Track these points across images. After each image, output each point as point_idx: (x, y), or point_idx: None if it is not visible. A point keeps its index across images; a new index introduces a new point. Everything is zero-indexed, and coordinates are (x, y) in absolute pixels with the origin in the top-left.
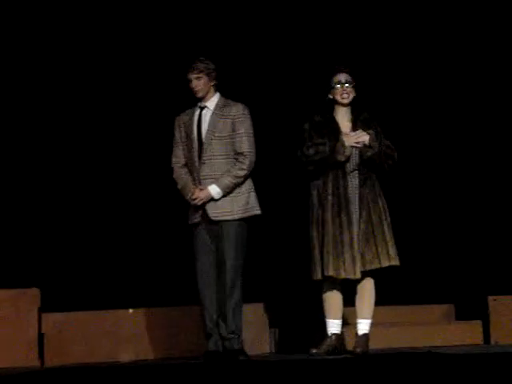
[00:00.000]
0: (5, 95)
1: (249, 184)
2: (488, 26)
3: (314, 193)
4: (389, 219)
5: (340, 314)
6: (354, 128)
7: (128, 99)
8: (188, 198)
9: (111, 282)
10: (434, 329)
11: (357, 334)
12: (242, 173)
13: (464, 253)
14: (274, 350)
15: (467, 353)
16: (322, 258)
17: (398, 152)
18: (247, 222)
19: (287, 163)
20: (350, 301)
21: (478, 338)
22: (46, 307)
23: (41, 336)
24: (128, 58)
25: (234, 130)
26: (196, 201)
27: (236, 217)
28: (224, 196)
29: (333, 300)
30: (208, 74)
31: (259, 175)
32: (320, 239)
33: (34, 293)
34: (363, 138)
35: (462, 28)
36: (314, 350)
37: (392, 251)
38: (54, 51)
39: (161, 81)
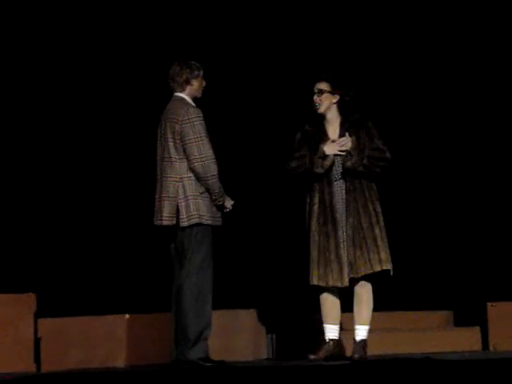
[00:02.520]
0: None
1: None
2: (487, 24)
3: (307, 200)
4: (382, 223)
5: (338, 320)
6: (341, 134)
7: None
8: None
9: (107, 288)
10: (433, 335)
11: (354, 339)
12: None
13: (463, 259)
14: (271, 356)
15: (466, 359)
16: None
17: (396, 156)
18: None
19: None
20: (348, 307)
21: (477, 344)
22: (42, 312)
23: (37, 341)
24: (115, 61)
25: None
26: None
27: None
28: None
29: (330, 305)
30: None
31: (257, 181)
32: (308, 248)
33: (30, 298)
34: (347, 144)
35: (458, 25)
36: (312, 356)
37: (384, 255)
38: (49, 52)
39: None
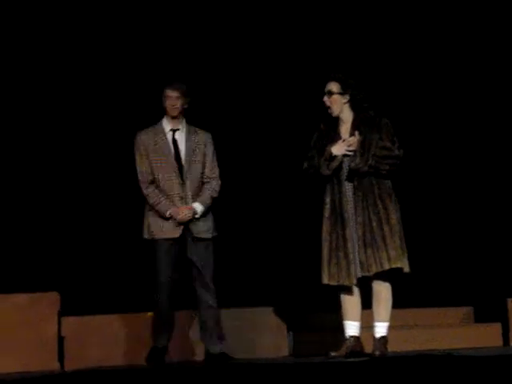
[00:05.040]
0: None
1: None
2: (493, 24)
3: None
4: (393, 221)
5: (358, 316)
6: (352, 132)
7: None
8: (168, 214)
9: (130, 286)
10: (453, 331)
11: (374, 337)
12: (216, 195)
13: (483, 255)
14: (292, 353)
15: (486, 355)
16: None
17: (415, 152)
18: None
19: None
20: (369, 304)
21: (497, 340)
22: (65, 311)
23: (60, 339)
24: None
25: (204, 156)
26: (182, 217)
27: (210, 236)
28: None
29: (350, 302)
30: (185, 97)
31: (278, 181)
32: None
33: (53, 296)
34: (355, 144)
35: (466, 25)
36: (333, 353)
37: (393, 253)
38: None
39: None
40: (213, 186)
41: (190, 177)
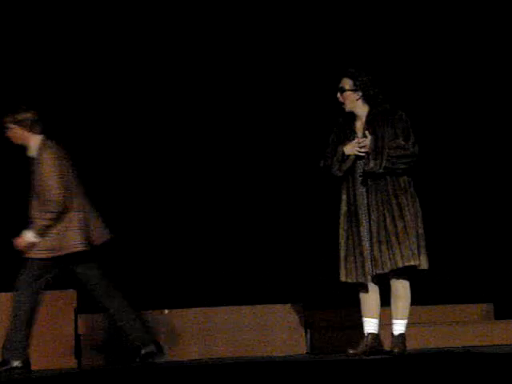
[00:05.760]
0: None
1: (63, 224)
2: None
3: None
4: (408, 217)
5: (377, 314)
6: (366, 129)
7: None
8: None
9: (147, 283)
10: (473, 328)
11: (393, 334)
12: (49, 215)
13: (503, 252)
14: (310, 351)
15: (506, 352)
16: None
17: (436, 148)
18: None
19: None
20: (388, 301)
21: None
22: (82, 308)
23: (77, 337)
24: None
25: (40, 174)
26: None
27: (35, 256)
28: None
29: (367, 299)
30: (18, 124)
31: (299, 178)
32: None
33: (70, 294)
34: (368, 146)
35: (487, 21)
36: (351, 351)
37: (406, 251)
38: None
39: None
40: (44, 208)
41: (35, 204)
